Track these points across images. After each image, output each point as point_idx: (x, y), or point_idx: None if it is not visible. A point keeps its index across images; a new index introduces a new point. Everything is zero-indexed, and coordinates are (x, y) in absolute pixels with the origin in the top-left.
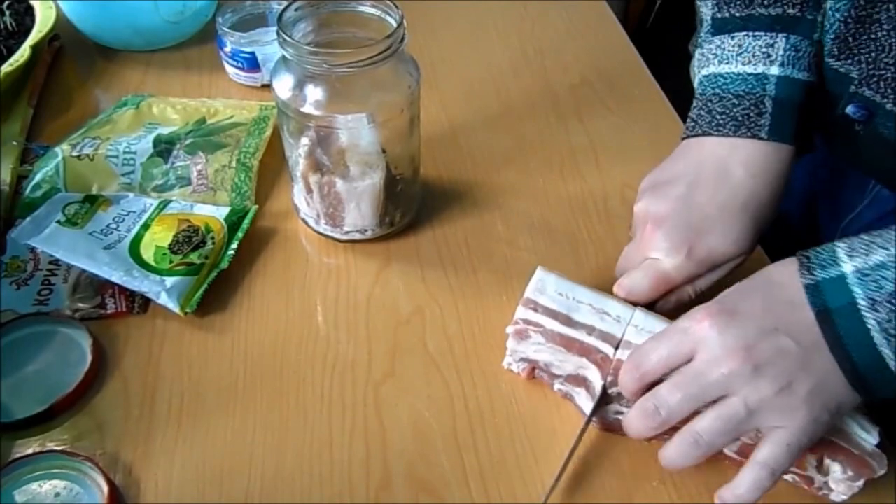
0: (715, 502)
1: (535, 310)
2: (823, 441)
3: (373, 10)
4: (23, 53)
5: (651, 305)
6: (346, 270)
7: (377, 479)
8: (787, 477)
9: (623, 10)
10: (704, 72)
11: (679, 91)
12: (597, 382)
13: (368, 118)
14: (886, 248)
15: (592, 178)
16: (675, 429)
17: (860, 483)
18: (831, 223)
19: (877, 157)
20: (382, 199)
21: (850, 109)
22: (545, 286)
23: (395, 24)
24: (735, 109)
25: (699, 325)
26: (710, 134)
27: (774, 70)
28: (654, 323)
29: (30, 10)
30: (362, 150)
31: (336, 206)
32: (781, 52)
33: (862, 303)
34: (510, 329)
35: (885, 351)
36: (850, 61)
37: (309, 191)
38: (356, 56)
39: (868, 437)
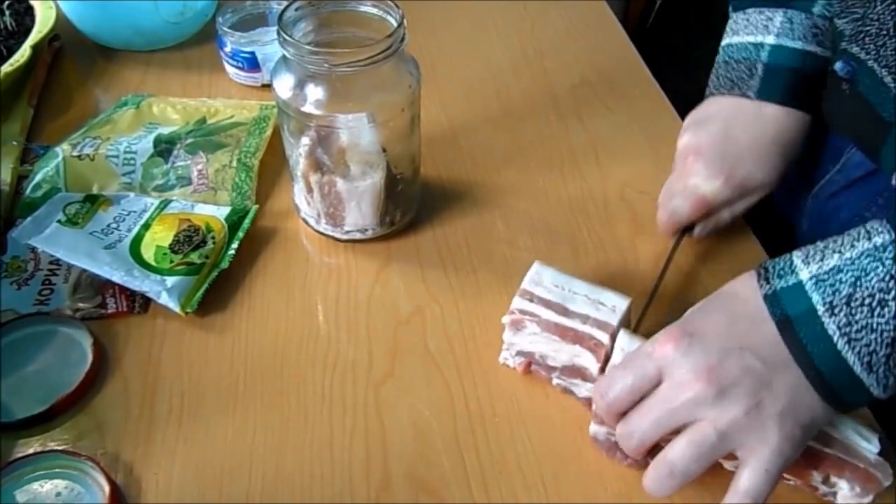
0: None
1: (531, 300)
2: (827, 457)
3: (373, 10)
4: (23, 53)
5: (690, 230)
6: (347, 270)
7: (377, 479)
8: (790, 481)
9: (623, 10)
10: (723, 42)
11: (679, 91)
12: (593, 367)
13: (369, 118)
14: (840, 252)
15: (592, 177)
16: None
17: (868, 499)
18: (803, 189)
19: (858, 119)
20: (383, 199)
21: (837, 66)
22: (542, 278)
23: (395, 24)
24: (732, 73)
25: (662, 349)
26: (713, 94)
27: (770, 39)
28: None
29: (30, 10)
30: (363, 149)
31: (336, 205)
32: (777, 25)
33: (820, 308)
34: (506, 319)
35: (849, 355)
36: (846, 18)
37: (309, 190)
38: (356, 56)
39: (869, 447)
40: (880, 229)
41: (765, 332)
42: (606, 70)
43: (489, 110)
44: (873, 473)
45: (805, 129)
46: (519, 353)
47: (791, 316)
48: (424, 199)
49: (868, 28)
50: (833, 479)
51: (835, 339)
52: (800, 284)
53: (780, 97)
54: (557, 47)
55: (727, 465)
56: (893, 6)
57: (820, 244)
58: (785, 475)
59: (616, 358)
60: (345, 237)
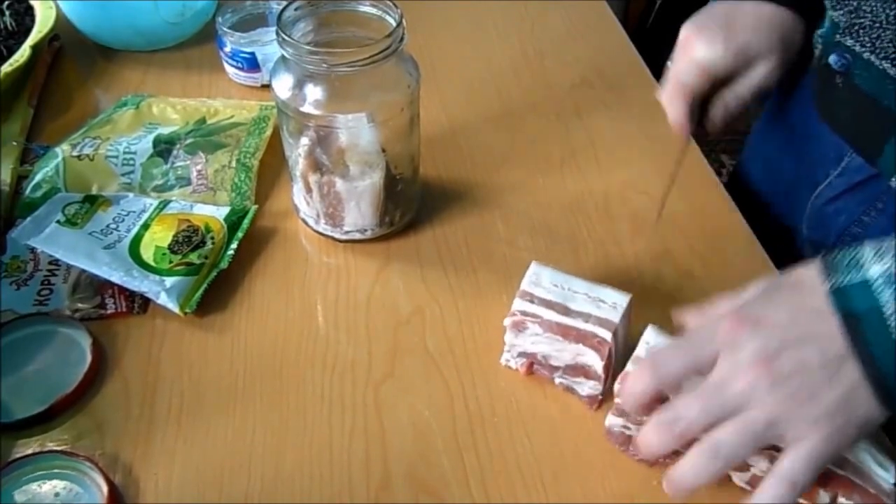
0: None
1: (532, 301)
2: (837, 478)
3: (372, 10)
4: (23, 53)
5: (703, 115)
6: (346, 270)
7: (377, 479)
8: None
9: (623, 10)
10: None
11: None
12: (597, 365)
13: (368, 118)
14: None
15: (592, 177)
16: (677, 453)
17: None
18: (804, 193)
19: (853, 114)
20: (382, 199)
21: (831, 59)
22: (540, 278)
23: (394, 24)
24: None
25: (723, 334)
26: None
27: None
28: (665, 342)
29: (30, 10)
30: (362, 149)
31: (336, 205)
32: None
33: (889, 307)
34: (507, 321)
35: None
36: (840, 10)
37: (309, 190)
38: (356, 55)
39: (885, 475)
40: None
41: (828, 327)
42: (606, 70)
43: (489, 110)
44: (885, 503)
45: (801, 34)
46: (521, 355)
47: (857, 313)
48: (424, 199)
49: (861, 20)
50: (841, 499)
51: None
52: (869, 281)
53: None
54: (557, 47)
55: (736, 478)
56: None
57: (894, 241)
58: None
59: (640, 351)
60: (344, 237)
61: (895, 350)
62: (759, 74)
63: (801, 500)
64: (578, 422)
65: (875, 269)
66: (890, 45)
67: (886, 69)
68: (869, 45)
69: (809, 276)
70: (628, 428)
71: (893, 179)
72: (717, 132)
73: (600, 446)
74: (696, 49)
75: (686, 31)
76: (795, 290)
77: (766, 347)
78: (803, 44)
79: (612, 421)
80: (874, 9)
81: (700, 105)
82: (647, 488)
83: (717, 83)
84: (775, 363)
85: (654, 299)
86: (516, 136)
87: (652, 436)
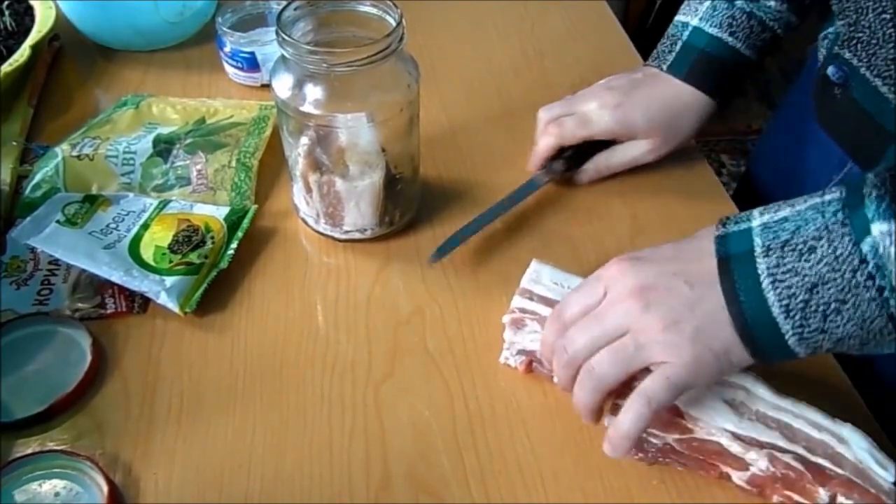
0: (604, 448)
1: (531, 298)
2: (837, 478)
3: (372, 10)
4: (23, 53)
5: (576, 163)
6: (346, 270)
7: (377, 479)
8: (796, 499)
9: (623, 10)
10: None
11: None
12: None
13: (368, 117)
14: (793, 206)
15: None
16: (666, 456)
17: None
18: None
19: (851, 126)
20: (382, 199)
21: (829, 70)
22: (540, 276)
23: (394, 24)
24: (661, 46)
25: (608, 272)
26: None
27: (694, 21)
28: None
29: (30, 10)
30: (362, 149)
31: (335, 205)
32: (703, 9)
33: (758, 249)
34: (506, 318)
35: (770, 295)
36: (843, 21)
37: (308, 190)
38: (355, 55)
39: (885, 474)
40: (834, 189)
41: (704, 265)
42: (606, 70)
43: (489, 110)
44: (885, 502)
45: (701, 111)
46: (520, 353)
47: (731, 255)
48: (424, 199)
49: (860, 35)
50: (841, 499)
51: (762, 278)
52: (749, 230)
53: (685, 75)
54: (557, 47)
55: (736, 478)
56: (884, 15)
57: (784, 201)
58: (790, 493)
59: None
60: (344, 237)
61: (757, 287)
62: (637, 150)
63: (801, 500)
64: (579, 421)
65: (757, 221)
66: (883, 62)
67: (878, 86)
68: (865, 60)
69: (703, 232)
70: None
71: None
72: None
73: (600, 446)
74: (591, 102)
75: (603, 82)
76: (686, 240)
77: (643, 279)
78: (706, 119)
79: (610, 419)
80: (872, 25)
81: (577, 151)
82: (646, 488)
83: (595, 142)
84: (649, 293)
85: None
86: (516, 136)
87: (557, 374)
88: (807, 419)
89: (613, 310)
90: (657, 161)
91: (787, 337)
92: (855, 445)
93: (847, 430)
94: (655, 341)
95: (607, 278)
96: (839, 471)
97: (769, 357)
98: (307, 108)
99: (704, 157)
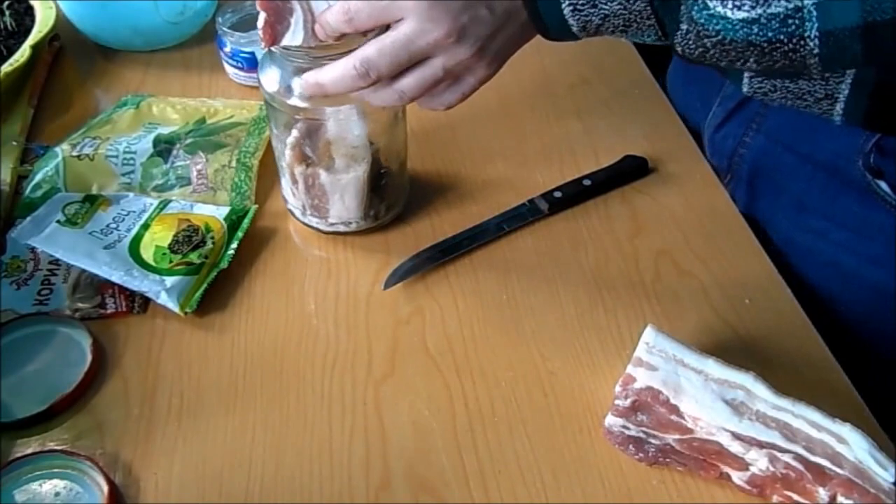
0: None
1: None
2: (837, 477)
3: None
4: (23, 53)
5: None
6: (346, 270)
7: (377, 478)
8: (795, 498)
9: None
10: None
11: None
12: None
13: (357, 110)
14: None
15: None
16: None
17: None
18: (702, 124)
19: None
20: (367, 193)
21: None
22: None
23: None
24: None
25: None
26: None
27: None
28: (665, 342)
29: (30, 10)
30: (349, 142)
31: (320, 197)
32: None
33: None
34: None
35: None
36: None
37: (294, 182)
38: (340, 48)
39: (885, 474)
40: None
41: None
42: (606, 70)
43: (487, 109)
44: (885, 502)
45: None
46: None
47: None
48: (423, 198)
49: None
50: (840, 499)
51: None
52: None
53: None
54: (557, 47)
55: (736, 478)
56: None
57: None
58: (790, 493)
59: (641, 352)
60: (329, 229)
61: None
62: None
63: (801, 500)
64: (579, 422)
65: None
66: None
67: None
68: None
69: None
70: (628, 428)
71: (744, 85)
72: None
73: (600, 446)
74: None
75: None
76: None
77: (450, 9)
78: None
79: (612, 421)
80: None
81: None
82: (646, 488)
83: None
84: (457, 22)
85: (654, 299)
86: (516, 136)
87: (340, 78)
88: (807, 419)
89: (422, 40)
90: (657, 161)
91: (563, 5)
92: (855, 445)
93: (847, 430)
94: (464, 66)
95: (406, 4)
96: (839, 471)
97: (547, 28)
98: (294, 101)
99: (704, 157)
